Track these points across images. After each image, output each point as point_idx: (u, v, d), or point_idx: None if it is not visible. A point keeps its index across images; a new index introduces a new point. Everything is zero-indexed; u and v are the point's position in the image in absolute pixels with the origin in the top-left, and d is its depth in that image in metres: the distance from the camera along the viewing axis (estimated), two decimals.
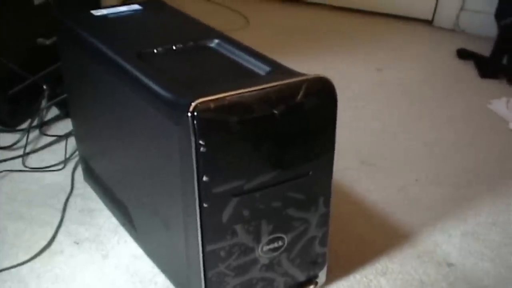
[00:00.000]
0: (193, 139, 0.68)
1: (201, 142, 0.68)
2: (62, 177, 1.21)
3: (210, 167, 0.71)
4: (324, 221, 0.85)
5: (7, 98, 1.36)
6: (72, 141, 1.26)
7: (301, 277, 0.89)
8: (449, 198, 1.20)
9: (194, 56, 0.89)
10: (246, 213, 0.76)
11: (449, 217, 1.14)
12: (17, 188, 1.18)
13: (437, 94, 1.67)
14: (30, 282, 0.95)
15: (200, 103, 0.68)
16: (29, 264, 0.98)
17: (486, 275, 0.99)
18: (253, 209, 0.77)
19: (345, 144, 1.36)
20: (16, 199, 1.15)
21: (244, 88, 0.71)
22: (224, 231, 0.76)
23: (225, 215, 0.75)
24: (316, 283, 0.91)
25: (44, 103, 1.39)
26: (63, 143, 1.32)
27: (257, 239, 0.80)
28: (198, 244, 0.76)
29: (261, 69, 0.83)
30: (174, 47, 0.90)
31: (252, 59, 0.85)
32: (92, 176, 1.15)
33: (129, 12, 1.06)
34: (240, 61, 0.86)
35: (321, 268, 0.90)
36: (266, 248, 0.81)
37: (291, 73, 0.80)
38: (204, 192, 0.72)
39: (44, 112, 1.42)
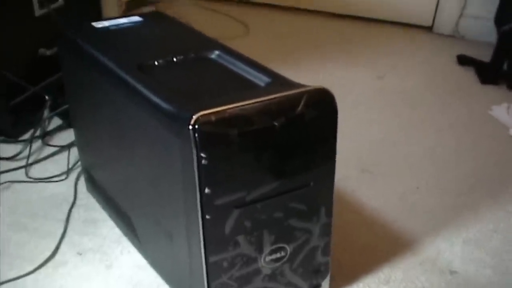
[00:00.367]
0: (194, 151, 0.69)
1: (202, 154, 0.69)
2: (65, 188, 1.22)
3: (212, 179, 0.71)
4: (326, 230, 0.86)
5: (10, 109, 1.37)
6: (75, 151, 1.26)
7: (304, 286, 0.89)
8: (450, 205, 1.20)
9: (194, 67, 0.90)
10: (248, 224, 0.77)
11: (451, 224, 1.14)
12: (20, 199, 1.18)
13: (437, 100, 1.67)
14: None
15: (201, 116, 0.69)
16: (33, 275, 0.98)
17: (489, 282, 0.99)
18: (255, 220, 0.77)
19: (346, 152, 1.35)
20: (19, 210, 1.15)
21: (244, 100, 0.72)
22: (227, 242, 0.77)
23: (228, 227, 0.75)
24: None
25: (46, 113, 1.40)
26: (66, 153, 1.32)
27: (260, 250, 0.80)
28: (201, 255, 0.77)
29: (261, 80, 0.83)
30: (174, 59, 0.90)
31: (252, 70, 0.86)
32: (95, 187, 1.15)
33: (129, 24, 1.07)
34: (240, 72, 0.87)
35: (324, 277, 0.91)
36: (268, 258, 0.82)
37: (291, 84, 0.80)
38: (206, 204, 0.72)
39: (47, 122, 1.43)
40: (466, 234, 1.11)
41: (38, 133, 1.38)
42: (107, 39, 1.01)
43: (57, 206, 1.16)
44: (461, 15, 2.11)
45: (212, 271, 0.78)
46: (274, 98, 0.74)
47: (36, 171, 1.28)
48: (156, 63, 0.89)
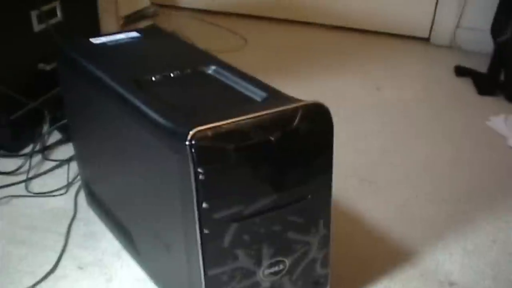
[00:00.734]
0: (191, 167, 0.69)
1: (199, 169, 0.70)
2: (65, 202, 1.22)
3: (210, 194, 0.72)
4: (325, 243, 0.86)
5: (10, 123, 1.38)
6: (74, 165, 1.27)
7: None
8: (449, 215, 1.20)
9: (191, 82, 0.91)
10: (246, 237, 0.77)
11: (450, 235, 1.14)
12: (20, 213, 1.19)
13: (435, 111, 1.68)
14: None
15: (197, 131, 0.69)
16: None
17: None
18: (253, 233, 0.77)
19: (345, 163, 1.37)
20: (20, 224, 1.15)
21: (240, 115, 0.73)
22: (225, 256, 0.77)
23: (226, 240, 0.76)
24: None
25: (46, 127, 1.41)
26: (65, 168, 1.32)
27: (258, 263, 0.80)
28: (200, 269, 0.77)
29: (257, 95, 0.84)
30: (171, 74, 0.91)
31: (248, 85, 0.86)
32: (94, 200, 1.16)
33: (127, 40, 1.08)
34: (237, 87, 0.88)
35: None
36: (267, 271, 0.82)
37: (287, 99, 0.81)
38: (204, 218, 0.73)
39: (46, 136, 1.43)
40: (465, 244, 1.11)
41: (38, 147, 1.39)
42: (105, 55, 1.02)
43: (57, 220, 1.16)
44: (457, 26, 2.12)
45: (211, 284, 0.78)
46: (270, 113, 0.75)
47: (36, 185, 1.28)
48: (153, 78, 0.90)
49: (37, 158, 1.37)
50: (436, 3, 2.13)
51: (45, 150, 1.40)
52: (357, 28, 2.27)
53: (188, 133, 0.69)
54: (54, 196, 1.24)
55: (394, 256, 1.08)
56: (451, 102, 1.74)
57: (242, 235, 0.77)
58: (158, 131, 0.77)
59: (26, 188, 1.26)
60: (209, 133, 0.70)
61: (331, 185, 0.82)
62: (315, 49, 2.15)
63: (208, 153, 0.70)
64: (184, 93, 0.88)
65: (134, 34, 1.10)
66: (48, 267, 1.03)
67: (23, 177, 1.29)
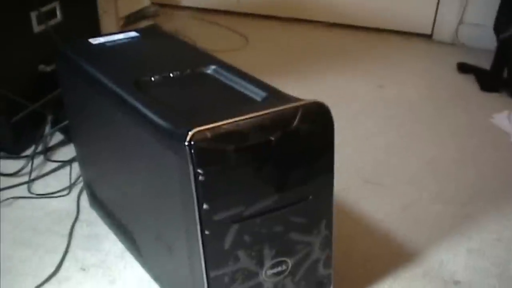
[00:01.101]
0: (191, 168, 0.69)
1: (199, 170, 0.69)
2: (67, 203, 1.22)
3: (210, 195, 0.71)
4: (327, 243, 0.86)
5: (11, 125, 1.38)
6: (77, 166, 1.27)
7: None
8: (453, 214, 1.20)
9: (191, 83, 0.90)
10: (247, 238, 0.77)
11: (454, 234, 1.13)
12: (23, 215, 1.19)
13: (439, 109, 1.67)
14: None
15: (197, 132, 0.69)
16: None
17: None
18: (254, 234, 0.77)
19: (348, 163, 1.36)
20: (22, 226, 1.15)
21: (240, 115, 0.72)
22: (227, 257, 0.77)
23: (227, 242, 0.75)
24: None
25: (47, 129, 1.41)
26: (68, 169, 1.32)
27: (260, 264, 0.80)
28: (202, 270, 0.77)
29: (257, 95, 0.84)
30: (171, 75, 0.91)
31: (248, 85, 0.86)
32: (96, 202, 1.15)
33: (126, 40, 1.07)
34: (237, 87, 0.87)
35: None
36: (269, 272, 0.81)
37: (287, 98, 0.81)
38: (205, 219, 0.72)
39: (48, 137, 1.43)
40: (469, 243, 1.11)
41: (40, 148, 1.39)
42: (103, 56, 1.02)
43: (59, 221, 1.16)
44: (460, 23, 2.11)
45: (213, 285, 0.78)
46: (270, 113, 0.74)
47: (39, 187, 1.28)
48: (152, 79, 0.90)
49: (39, 159, 1.37)
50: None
51: (47, 151, 1.40)
52: (358, 25, 2.27)
53: (187, 134, 0.69)
54: (56, 197, 1.24)
55: (398, 256, 1.07)
56: (454, 99, 1.73)
57: (243, 236, 0.76)
58: (157, 131, 0.76)
59: (29, 189, 1.26)
60: (209, 133, 0.69)
61: (333, 185, 0.82)
62: (316, 47, 2.14)
63: (207, 154, 0.69)
64: (184, 94, 0.87)
65: (133, 34, 1.10)
66: (51, 269, 1.03)
67: (25, 178, 1.29)
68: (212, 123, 0.70)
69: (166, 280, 0.95)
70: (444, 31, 2.15)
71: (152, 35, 1.12)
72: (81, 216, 1.18)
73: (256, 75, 0.89)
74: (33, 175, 1.31)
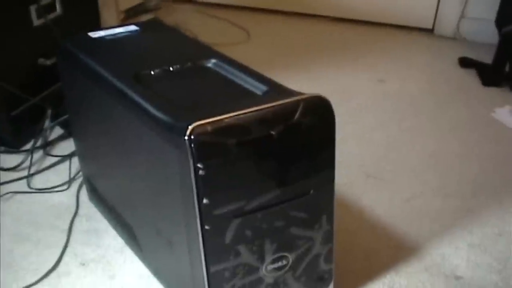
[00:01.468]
0: (191, 162, 0.68)
1: (199, 165, 0.69)
2: (67, 198, 1.22)
3: (210, 190, 0.71)
4: (328, 238, 0.85)
5: (11, 119, 1.37)
6: (76, 161, 1.26)
7: None
8: (454, 209, 1.19)
9: (191, 76, 0.90)
10: (248, 233, 0.76)
11: (456, 228, 1.13)
12: (22, 210, 1.18)
13: (440, 103, 1.67)
14: None
15: (197, 126, 0.68)
16: (36, 286, 0.98)
17: (495, 287, 0.98)
18: (255, 229, 0.77)
19: (350, 157, 1.36)
20: (22, 220, 1.15)
21: (241, 109, 0.72)
22: (228, 251, 0.76)
23: (228, 236, 0.75)
24: None
25: (47, 123, 1.40)
26: (67, 163, 1.32)
27: (261, 259, 0.80)
28: (202, 265, 0.76)
29: (258, 88, 0.83)
30: (171, 68, 0.90)
31: (249, 79, 0.85)
32: (96, 196, 1.15)
33: (126, 33, 1.07)
34: (237, 80, 0.87)
35: (327, 285, 0.90)
36: (270, 267, 0.81)
37: (288, 92, 0.80)
38: (205, 214, 0.72)
39: (48, 132, 1.43)
40: (471, 238, 1.10)
41: (39, 143, 1.38)
42: (103, 49, 1.01)
43: (59, 216, 1.16)
44: (461, 17, 2.10)
45: (214, 280, 0.78)
46: (271, 106, 0.74)
47: (38, 181, 1.28)
48: (152, 72, 0.89)
49: (38, 154, 1.37)
50: None
51: (47, 145, 1.40)
52: (360, 19, 2.26)
53: (187, 128, 0.68)
54: (56, 192, 1.24)
55: (399, 250, 1.07)
56: (455, 93, 1.73)
57: (244, 231, 0.76)
58: (157, 125, 0.76)
59: (28, 184, 1.26)
60: (209, 127, 0.69)
61: (334, 180, 0.81)
62: (318, 41, 2.14)
63: (207, 148, 0.69)
64: (184, 87, 0.87)
65: (132, 27, 1.09)
66: (50, 264, 1.03)
67: (25, 173, 1.29)
68: (212, 117, 0.70)
69: (166, 275, 0.95)
70: (446, 25, 2.14)
71: (153, 28, 1.11)
72: (80, 211, 1.17)
73: (257, 69, 0.89)
74: (33, 170, 1.31)
